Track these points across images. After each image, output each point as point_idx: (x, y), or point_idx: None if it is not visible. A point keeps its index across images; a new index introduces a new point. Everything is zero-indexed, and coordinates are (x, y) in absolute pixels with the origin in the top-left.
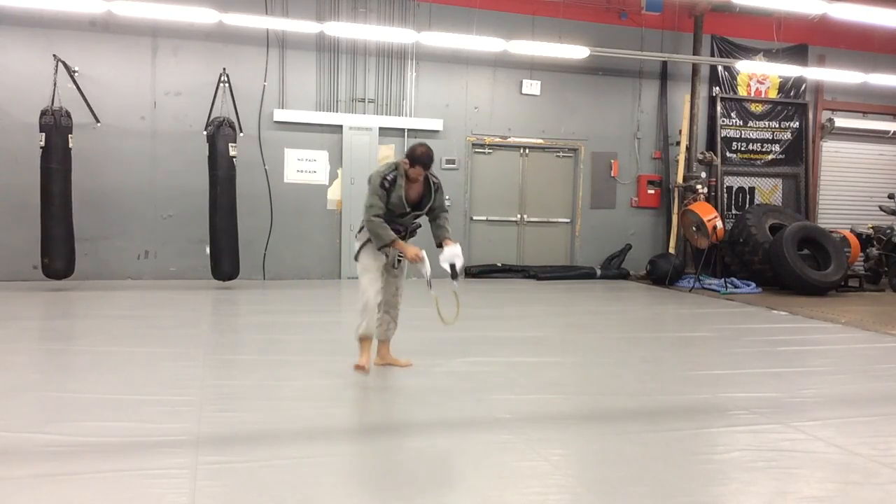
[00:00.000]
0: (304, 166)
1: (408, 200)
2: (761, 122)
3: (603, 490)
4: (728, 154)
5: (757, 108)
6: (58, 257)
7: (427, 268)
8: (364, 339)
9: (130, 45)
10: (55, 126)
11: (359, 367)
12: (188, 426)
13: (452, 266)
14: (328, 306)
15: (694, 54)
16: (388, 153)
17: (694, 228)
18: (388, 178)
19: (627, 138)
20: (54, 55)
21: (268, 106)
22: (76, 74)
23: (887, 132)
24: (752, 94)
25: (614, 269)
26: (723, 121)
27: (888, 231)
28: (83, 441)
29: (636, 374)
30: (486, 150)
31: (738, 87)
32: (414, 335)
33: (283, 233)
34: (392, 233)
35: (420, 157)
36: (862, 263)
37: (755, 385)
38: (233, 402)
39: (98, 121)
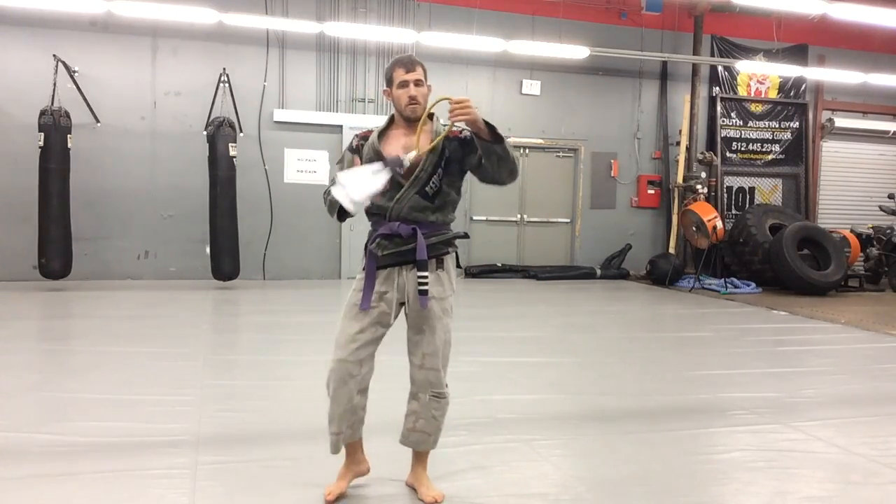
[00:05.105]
0: (304, 166)
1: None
2: (761, 122)
3: (603, 490)
4: (728, 154)
5: (757, 108)
6: (55, 257)
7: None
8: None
9: (130, 45)
10: (54, 126)
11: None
12: (188, 426)
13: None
14: (328, 306)
15: (694, 54)
16: None
17: (694, 228)
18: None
19: (627, 138)
20: (54, 55)
21: (268, 106)
22: (76, 74)
23: (887, 132)
24: (752, 94)
25: (614, 269)
26: (723, 121)
27: (888, 231)
28: (83, 441)
29: (636, 374)
30: None
31: (738, 87)
32: None
33: (283, 233)
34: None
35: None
36: (862, 263)
37: (755, 385)
38: (233, 402)
39: (98, 121)
